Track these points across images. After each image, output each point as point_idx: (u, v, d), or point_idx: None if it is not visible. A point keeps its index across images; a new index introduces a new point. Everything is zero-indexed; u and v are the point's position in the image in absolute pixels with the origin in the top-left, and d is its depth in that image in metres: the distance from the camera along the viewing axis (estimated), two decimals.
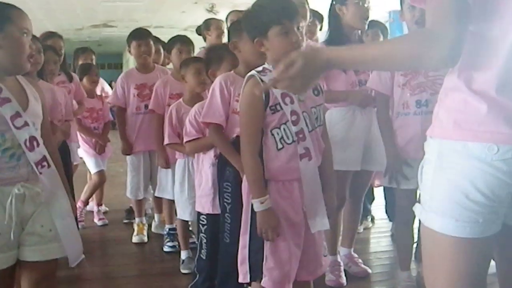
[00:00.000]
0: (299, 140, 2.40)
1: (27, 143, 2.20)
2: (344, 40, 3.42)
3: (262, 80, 2.37)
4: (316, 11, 4.34)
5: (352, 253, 3.82)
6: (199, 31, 5.22)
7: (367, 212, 4.86)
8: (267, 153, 2.45)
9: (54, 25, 14.44)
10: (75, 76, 4.92)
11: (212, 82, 3.28)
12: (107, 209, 5.73)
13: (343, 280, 3.55)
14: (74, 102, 4.78)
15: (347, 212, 3.74)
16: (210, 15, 13.07)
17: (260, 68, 2.45)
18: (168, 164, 4.07)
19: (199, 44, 5.29)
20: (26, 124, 2.20)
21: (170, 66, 4.81)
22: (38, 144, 2.24)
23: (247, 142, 2.45)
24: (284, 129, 2.41)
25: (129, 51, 4.64)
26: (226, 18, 4.91)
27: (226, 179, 2.87)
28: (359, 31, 3.54)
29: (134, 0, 11.71)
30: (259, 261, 2.44)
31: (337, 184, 2.74)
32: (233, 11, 4.96)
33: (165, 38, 4.56)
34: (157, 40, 4.95)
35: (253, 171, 2.43)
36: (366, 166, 3.52)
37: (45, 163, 2.26)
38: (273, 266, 2.41)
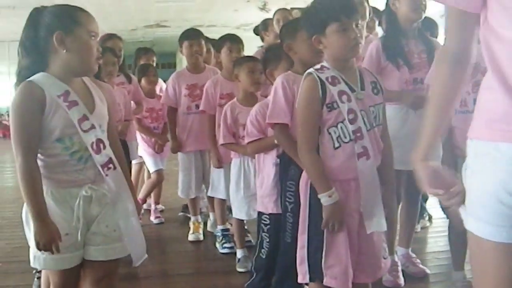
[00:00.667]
0: (356, 138, 2.38)
1: (94, 146, 2.24)
2: (400, 34, 3.40)
3: (319, 78, 2.37)
4: (375, 8, 4.29)
5: (410, 253, 3.75)
6: (256, 31, 5.23)
7: (423, 210, 4.77)
8: (324, 152, 2.44)
9: (109, 27, 14.68)
10: (134, 78, 4.98)
11: (269, 82, 3.29)
12: (163, 207, 5.78)
13: (401, 280, 3.49)
14: (133, 102, 4.86)
15: (404, 212, 3.68)
16: (263, 13, 13.10)
17: (318, 66, 2.45)
18: (221, 163, 4.07)
19: (250, 43, 5.30)
20: (93, 127, 2.24)
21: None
22: (104, 147, 2.27)
23: (305, 139, 2.45)
24: (341, 128, 2.40)
25: (181, 51, 4.67)
26: (273, 17, 4.88)
27: (291, 177, 2.84)
28: (418, 23, 3.45)
29: (186, 0, 11.80)
30: (318, 261, 2.43)
31: None
32: (279, 9, 4.92)
33: (217, 37, 4.56)
34: (207, 39, 4.96)
35: (314, 167, 2.42)
36: None
37: (111, 165, 2.29)
38: (333, 263, 2.40)
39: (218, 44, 4.43)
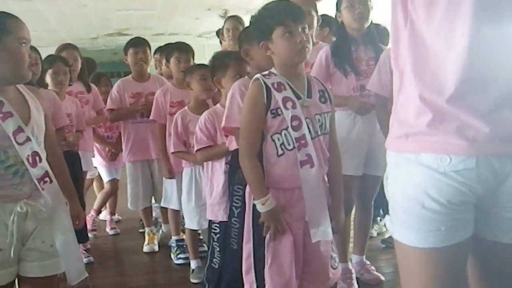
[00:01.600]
0: (300, 146, 2.35)
1: (30, 159, 2.16)
2: (348, 42, 3.44)
3: (265, 83, 2.37)
4: (326, 15, 4.28)
5: (364, 260, 3.75)
6: (218, 34, 5.24)
7: (379, 216, 4.78)
8: (267, 159, 2.42)
9: (70, 35, 14.53)
10: (94, 87, 4.88)
11: (217, 89, 3.27)
12: (120, 218, 5.72)
13: None
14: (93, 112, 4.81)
15: (357, 219, 3.70)
16: (224, 21, 13.09)
17: (266, 72, 2.44)
18: (172, 174, 4.03)
19: (213, 50, 5.26)
20: (28, 139, 2.16)
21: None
22: (40, 160, 2.20)
23: (246, 145, 2.43)
24: (285, 135, 2.38)
25: (126, 60, 4.64)
26: (223, 26, 4.88)
27: (238, 182, 2.82)
28: (370, 29, 3.47)
29: (148, 8, 11.73)
30: (262, 270, 2.40)
31: None
32: (229, 17, 4.93)
33: None
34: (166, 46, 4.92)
35: (252, 173, 2.40)
36: (370, 171, 3.47)
37: (47, 179, 2.23)
38: (274, 273, 2.37)
39: (166, 53, 4.40)
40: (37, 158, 2.19)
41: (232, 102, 2.85)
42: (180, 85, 4.09)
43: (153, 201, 4.76)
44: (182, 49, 4.19)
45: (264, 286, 2.40)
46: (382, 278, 3.68)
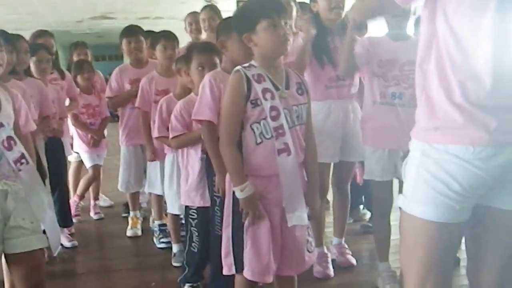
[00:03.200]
0: (278, 135, 2.44)
1: (5, 143, 2.32)
2: (324, 33, 3.49)
3: (246, 75, 2.45)
4: (304, 3, 4.34)
5: (343, 243, 3.86)
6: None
7: (357, 203, 4.87)
8: (246, 148, 2.51)
9: (55, 18, 14.47)
10: (67, 73, 4.94)
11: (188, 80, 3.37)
12: (112, 202, 5.78)
13: (331, 271, 3.59)
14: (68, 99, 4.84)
15: (335, 204, 3.81)
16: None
17: (246, 64, 2.53)
18: (156, 157, 4.10)
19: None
20: (1, 125, 2.31)
21: None
22: (15, 143, 2.35)
23: (226, 133, 2.51)
24: (264, 124, 2.47)
25: (122, 49, 4.68)
26: (185, 20, 4.98)
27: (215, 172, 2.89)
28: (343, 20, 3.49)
29: None
30: (240, 253, 2.50)
31: None
32: (205, 7, 4.98)
33: (165, 28, 4.54)
34: (149, 33, 4.96)
35: (231, 160, 2.50)
36: (345, 157, 3.60)
37: (23, 160, 2.39)
38: (253, 256, 2.47)
39: (152, 41, 4.44)
40: (12, 142, 2.36)
41: (201, 95, 2.93)
42: (166, 73, 4.16)
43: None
44: (168, 37, 4.24)
45: (243, 268, 2.51)
46: (353, 262, 3.80)
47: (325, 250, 3.69)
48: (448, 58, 1.70)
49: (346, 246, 3.88)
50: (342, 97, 3.55)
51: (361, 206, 5.02)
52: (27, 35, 4.06)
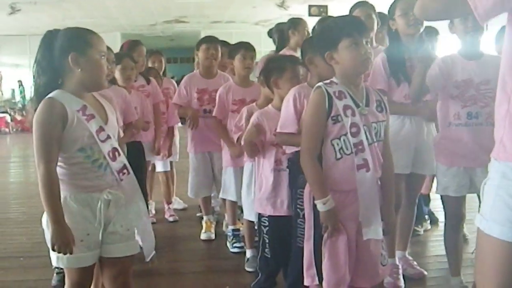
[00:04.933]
0: (357, 151, 2.52)
1: (110, 154, 2.47)
2: (402, 51, 3.50)
3: (327, 91, 2.54)
4: (383, 13, 4.35)
5: (407, 255, 3.88)
6: (270, 34, 5.35)
7: (423, 213, 4.88)
8: (325, 163, 2.59)
9: (129, 22, 14.91)
10: (153, 80, 5.10)
11: (274, 91, 3.42)
12: (186, 205, 5.97)
13: (401, 283, 3.61)
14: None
15: (401, 215, 3.76)
16: (281, 10, 13.21)
17: (327, 81, 2.62)
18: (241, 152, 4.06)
19: (269, 39, 5.44)
20: (108, 137, 2.47)
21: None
22: (119, 154, 2.51)
23: (308, 148, 2.60)
24: (344, 140, 2.54)
25: (197, 55, 4.83)
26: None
27: (300, 185, 2.94)
28: (421, 35, 3.53)
29: None
30: (321, 264, 2.59)
31: None
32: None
33: (236, 32, 4.65)
34: (224, 43, 5.11)
35: (313, 174, 2.57)
36: (416, 169, 3.62)
37: (125, 171, 2.54)
38: (330, 269, 2.55)
39: (231, 51, 4.53)
40: (116, 153, 2.50)
41: (286, 108, 3.03)
42: (242, 83, 4.28)
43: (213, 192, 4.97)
44: (248, 48, 4.32)
45: (320, 279, 2.60)
46: (425, 273, 3.81)
47: (397, 262, 3.72)
48: None
49: (411, 258, 3.90)
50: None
51: (426, 216, 5.02)
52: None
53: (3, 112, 17.18)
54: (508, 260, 1.78)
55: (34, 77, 2.46)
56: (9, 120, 16.76)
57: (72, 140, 2.37)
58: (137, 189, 2.62)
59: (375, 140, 2.58)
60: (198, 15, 13.95)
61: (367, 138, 2.53)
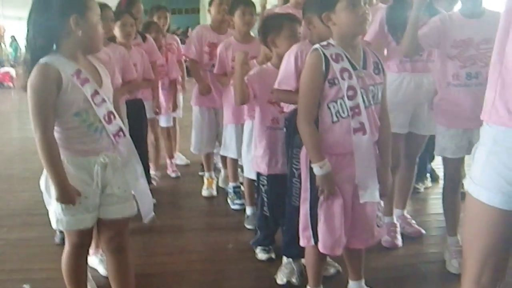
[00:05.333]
0: (354, 114, 2.51)
1: (106, 118, 2.47)
2: (405, 9, 3.41)
3: (324, 54, 2.50)
4: None
5: (405, 214, 3.92)
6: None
7: (425, 171, 4.91)
8: (322, 126, 2.58)
9: None
10: (149, 37, 5.01)
11: (272, 50, 3.36)
12: (188, 161, 5.98)
13: (399, 241, 3.66)
14: None
15: (400, 174, 3.78)
16: None
17: (324, 43, 2.58)
18: (234, 119, 4.20)
19: None
20: (103, 100, 2.46)
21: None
22: (114, 117, 2.51)
23: (304, 112, 2.59)
24: (340, 103, 2.53)
25: (209, 11, 4.77)
26: None
27: (296, 145, 2.95)
28: None
29: None
30: (316, 227, 2.63)
31: None
32: None
33: None
34: None
35: (310, 137, 2.57)
36: (415, 129, 3.64)
37: (121, 133, 2.55)
38: (325, 231, 2.59)
39: (230, 8, 4.40)
40: (112, 116, 2.50)
41: (287, 65, 2.98)
42: (243, 39, 4.23)
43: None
44: (247, 3, 4.24)
45: (316, 241, 2.65)
46: (423, 231, 3.85)
47: (395, 220, 3.76)
48: None
49: (409, 216, 3.93)
50: (417, 70, 3.54)
51: (427, 174, 5.04)
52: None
53: (8, 66, 16.92)
54: (493, 224, 1.80)
55: (28, 38, 2.39)
56: (14, 75, 16.15)
57: (67, 104, 2.36)
58: (134, 151, 2.64)
59: (372, 103, 2.56)
60: None
61: (364, 101, 2.51)
